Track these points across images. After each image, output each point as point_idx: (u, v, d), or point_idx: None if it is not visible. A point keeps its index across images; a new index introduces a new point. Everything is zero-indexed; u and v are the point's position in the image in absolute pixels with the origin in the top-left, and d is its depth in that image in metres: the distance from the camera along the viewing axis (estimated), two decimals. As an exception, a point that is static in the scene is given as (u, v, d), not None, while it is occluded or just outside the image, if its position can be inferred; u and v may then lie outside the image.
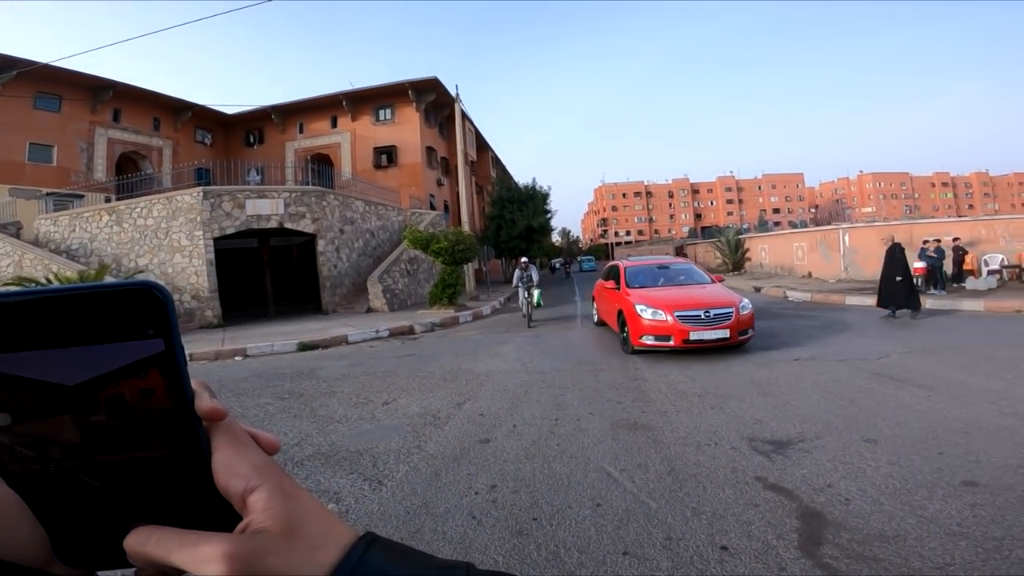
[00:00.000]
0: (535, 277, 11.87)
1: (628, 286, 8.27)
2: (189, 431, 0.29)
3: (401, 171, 26.50)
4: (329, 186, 18.58)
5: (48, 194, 19.25)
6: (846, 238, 17.36)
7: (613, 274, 9.24)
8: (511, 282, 29.61)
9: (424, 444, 4.17)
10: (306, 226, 15.11)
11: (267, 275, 16.84)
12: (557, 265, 48.41)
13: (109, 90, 22.81)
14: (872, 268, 16.25)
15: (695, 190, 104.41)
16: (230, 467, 0.30)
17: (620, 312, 7.89)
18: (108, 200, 17.59)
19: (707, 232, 57.77)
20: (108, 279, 11.80)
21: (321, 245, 15.41)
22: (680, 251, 33.61)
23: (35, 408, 0.27)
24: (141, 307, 0.27)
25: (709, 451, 3.72)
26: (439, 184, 29.55)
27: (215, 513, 0.30)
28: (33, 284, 11.45)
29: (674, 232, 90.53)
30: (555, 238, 69.24)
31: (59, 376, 0.27)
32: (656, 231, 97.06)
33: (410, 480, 3.49)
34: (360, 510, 3.10)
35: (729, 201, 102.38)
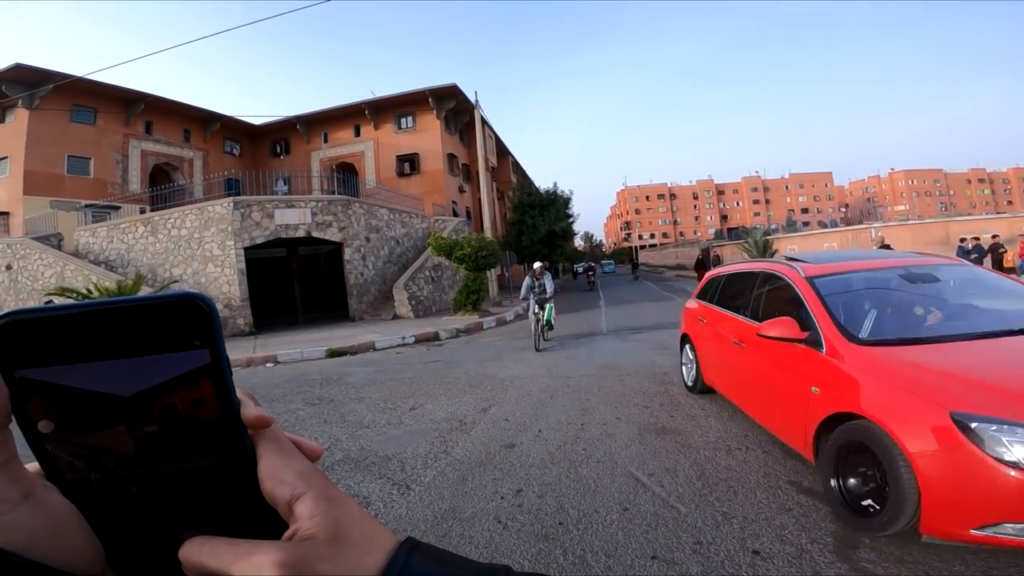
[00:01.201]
0: (549, 288, 9.29)
1: (848, 338, 2.95)
2: (236, 440, 0.30)
3: (423, 178, 26.80)
4: (354, 195, 18.92)
5: (87, 206, 19.99)
6: (879, 237, 16.88)
7: (764, 297, 4.05)
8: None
9: (451, 449, 4.21)
10: (333, 235, 15.40)
11: (296, 283, 17.21)
12: (580, 270, 48.42)
13: (141, 102, 23.63)
14: (907, 268, 15.81)
15: (720, 191, 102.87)
16: (276, 474, 0.30)
17: (823, 422, 2.82)
18: (143, 211, 18.21)
19: (733, 233, 56.80)
20: (145, 289, 12.28)
21: (348, 253, 15.67)
22: (707, 253, 33.11)
23: (92, 418, 0.28)
24: (187, 318, 0.28)
25: (740, 455, 3.66)
26: (461, 191, 29.75)
27: (261, 521, 0.31)
28: (75, 294, 11.95)
29: (700, 234, 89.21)
30: (577, 242, 69.13)
31: (114, 387, 0.28)
32: (681, 233, 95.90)
33: (437, 485, 3.53)
34: (389, 514, 3.15)
35: (756, 202, 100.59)
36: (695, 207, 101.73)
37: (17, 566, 0.27)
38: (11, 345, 0.27)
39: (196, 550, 0.29)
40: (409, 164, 27.23)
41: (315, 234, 15.14)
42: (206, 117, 27.14)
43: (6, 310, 0.27)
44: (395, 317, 15.36)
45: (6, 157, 20.25)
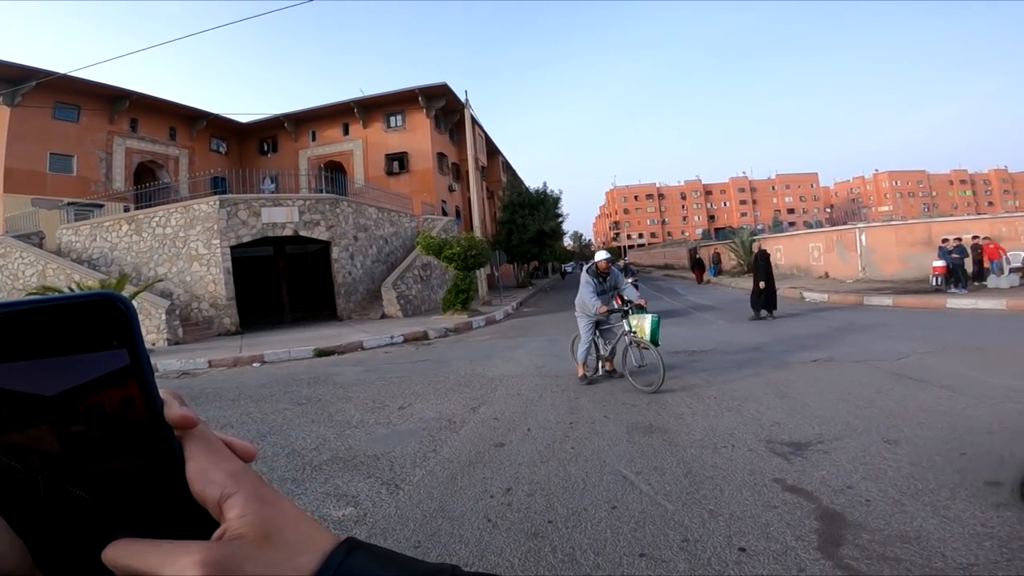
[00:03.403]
0: (633, 294, 6.11)
1: None
2: (161, 440, 0.30)
3: (413, 177, 26.71)
4: (343, 193, 18.80)
5: (69, 204, 19.64)
6: (863, 238, 17.12)
7: None
8: (523, 285, 29.76)
9: (440, 448, 4.20)
10: (320, 233, 15.29)
11: (283, 282, 17.08)
12: (569, 269, 48.57)
13: (126, 100, 23.28)
14: (891, 268, 16.04)
15: (708, 191, 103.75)
16: (205, 474, 0.30)
17: None
18: (127, 209, 17.97)
19: (721, 233, 57.33)
20: (129, 287, 12.09)
21: (335, 252, 15.57)
22: (694, 253, 33.34)
23: (14, 419, 0.28)
24: (104, 318, 0.28)
25: (726, 453, 3.70)
26: (450, 190, 29.70)
27: (193, 522, 0.30)
28: (55, 293, 11.72)
29: (687, 234, 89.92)
30: (567, 242, 69.54)
31: (36, 387, 0.27)
32: (669, 233, 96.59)
33: (427, 484, 3.52)
34: (378, 514, 3.13)
35: (743, 202, 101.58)
36: (683, 207, 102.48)
37: None
38: None
39: (120, 552, 0.28)
40: (398, 163, 27.12)
41: (303, 233, 15.03)
42: (192, 115, 26.79)
43: None
44: (383, 316, 15.29)
45: None
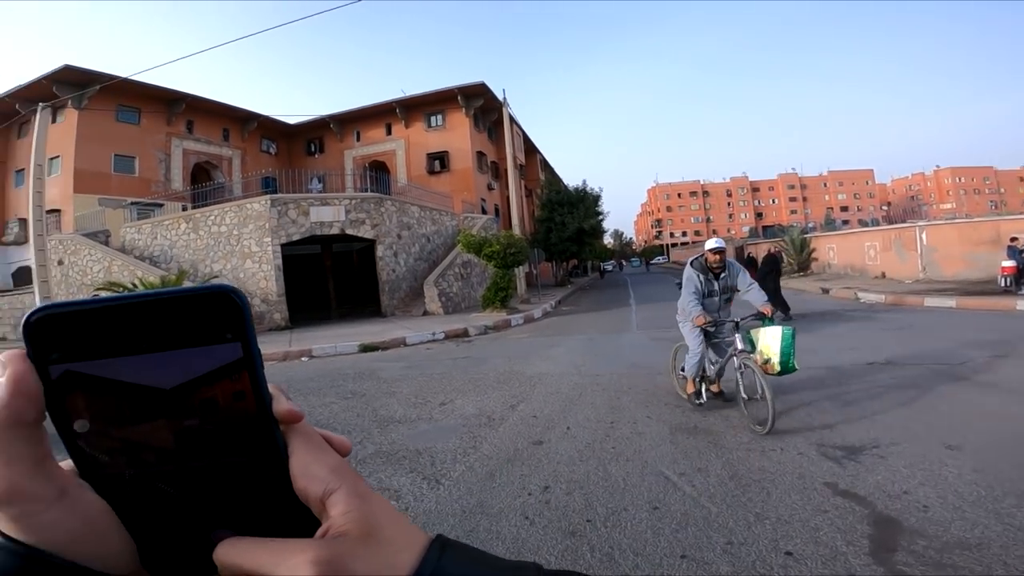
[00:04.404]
0: (759, 298, 4.65)
1: None
2: (268, 435, 0.30)
3: (453, 176, 27.05)
4: (386, 192, 19.22)
5: (132, 203, 20.76)
6: (924, 236, 16.18)
7: None
8: (562, 284, 29.60)
9: (479, 445, 4.25)
10: (366, 232, 15.69)
11: (330, 279, 17.63)
12: (610, 267, 48.12)
13: (182, 102, 24.45)
14: (954, 268, 15.10)
15: (755, 188, 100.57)
16: (308, 470, 0.30)
17: None
18: (185, 208, 18.91)
19: (769, 231, 55.39)
20: (187, 284, 12.75)
21: (380, 250, 15.94)
22: (742, 251, 32.31)
23: (131, 413, 0.28)
24: (220, 311, 0.28)
25: (775, 456, 3.59)
26: (490, 188, 29.89)
27: (292, 518, 0.30)
28: (121, 288, 12.49)
29: (733, 232, 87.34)
30: (607, 240, 69.31)
31: (153, 380, 0.27)
32: (714, 231, 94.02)
33: (466, 480, 3.57)
34: (419, 508, 3.20)
35: (792, 199, 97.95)
36: (729, 204, 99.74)
37: (53, 566, 0.27)
38: (45, 340, 0.26)
39: (231, 551, 0.29)
40: (439, 162, 27.51)
41: (349, 231, 15.45)
42: (243, 117, 27.94)
43: (40, 304, 0.26)
44: (425, 313, 15.55)
45: (57, 156, 21.09)
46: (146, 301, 0.27)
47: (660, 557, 2.48)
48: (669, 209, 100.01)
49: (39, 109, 14.85)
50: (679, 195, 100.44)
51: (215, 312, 0.28)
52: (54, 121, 21.32)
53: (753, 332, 4.42)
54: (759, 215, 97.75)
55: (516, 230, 19.76)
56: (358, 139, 29.63)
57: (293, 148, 31.33)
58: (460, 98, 26.59)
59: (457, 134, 27.39)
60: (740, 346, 4.39)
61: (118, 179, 22.39)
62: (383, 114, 28.49)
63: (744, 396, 4.30)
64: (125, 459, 0.28)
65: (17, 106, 21.22)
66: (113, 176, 22.31)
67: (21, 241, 21.37)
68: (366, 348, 10.16)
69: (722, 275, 4.74)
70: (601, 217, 31.23)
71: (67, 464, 0.29)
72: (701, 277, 4.73)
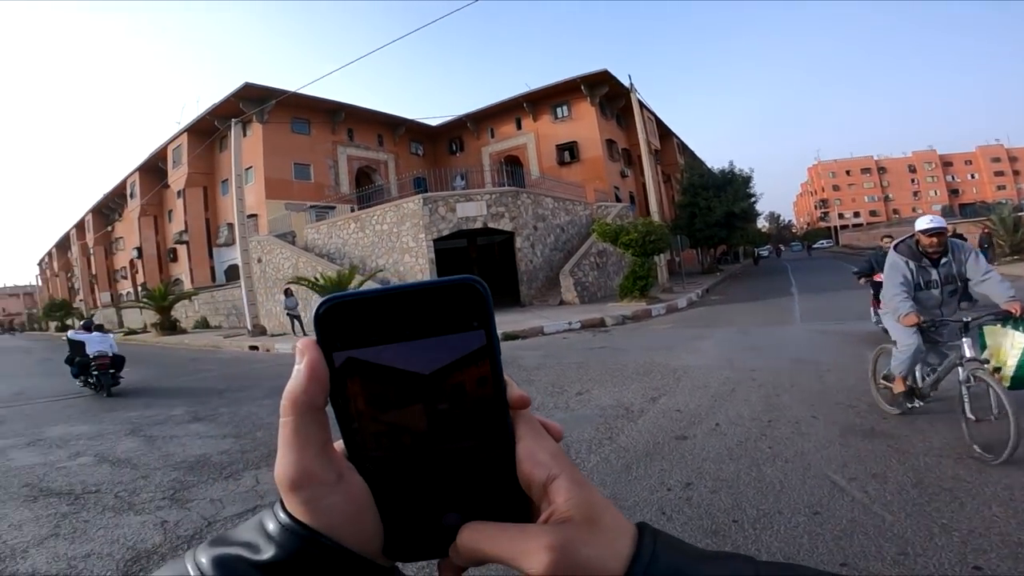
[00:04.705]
0: (1003, 291, 3.38)
1: None
2: (501, 420, 0.31)
3: (583, 166, 27.04)
4: (520, 186, 19.76)
5: (311, 207, 23.68)
6: None
7: None
8: (709, 271, 27.69)
9: (616, 436, 4.18)
10: (505, 225, 16.33)
11: (474, 271, 18.67)
12: (765, 253, 44.47)
13: (341, 112, 27.45)
14: None
15: (947, 163, 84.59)
16: (533, 456, 0.30)
17: None
18: (352, 210, 21.32)
19: (968, 210, 45.89)
20: (357, 278, 14.42)
21: (518, 242, 16.49)
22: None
23: (397, 396, 0.29)
24: (466, 301, 0.29)
25: (974, 465, 3.02)
26: (623, 176, 29.31)
27: (507, 502, 0.31)
28: (307, 282, 14.52)
29: (920, 211, 73.99)
30: (761, 223, 63.83)
31: (416, 365, 0.29)
32: (895, 211, 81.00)
33: (600, 471, 3.52)
34: (554, 495, 3.27)
35: (998, 173, 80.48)
36: (913, 181, 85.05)
37: (327, 549, 0.28)
38: (331, 329, 0.29)
39: (474, 535, 0.30)
40: (568, 152, 27.64)
41: (490, 225, 16.23)
42: (393, 122, 30.58)
43: (327, 296, 0.29)
44: (562, 303, 15.73)
45: (251, 167, 24.82)
46: (409, 291, 0.29)
47: (816, 563, 2.24)
48: (836, 188, 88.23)
49: (232, 125, 17.91)
50: (847, 172, 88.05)
51: (462, 301, 0.29)
52: (245, 135, 24.50)
53: (987, 330, 3.42)
54: (954, 191, 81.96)
55: (655, 217, 19.02)
56: (492, 136, 30.88)
57: (437, 148, 33.59)
58: (584, 87, 26.47)
59: (584, 123, 27.29)
60: (969, 353, 3.36)
61: (298, 185, 25.84)
62: (512, 109, 29.35)
63: (970, 416, 3.29)
64: (387, 442, 0.30)
65: (215, 123, 25.47)
66: (294, 183, 25.79)
67: (230, 243, 25.50)
68: (507, 336, 10.59)
69: (943, 261, 3.72)
70: (753, 199, 28.83)
71: (337, 446, 0.31)
72: (911, 265, 3.75)
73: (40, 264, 64.78)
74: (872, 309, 6.86)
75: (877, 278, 6.21)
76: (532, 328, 10.99)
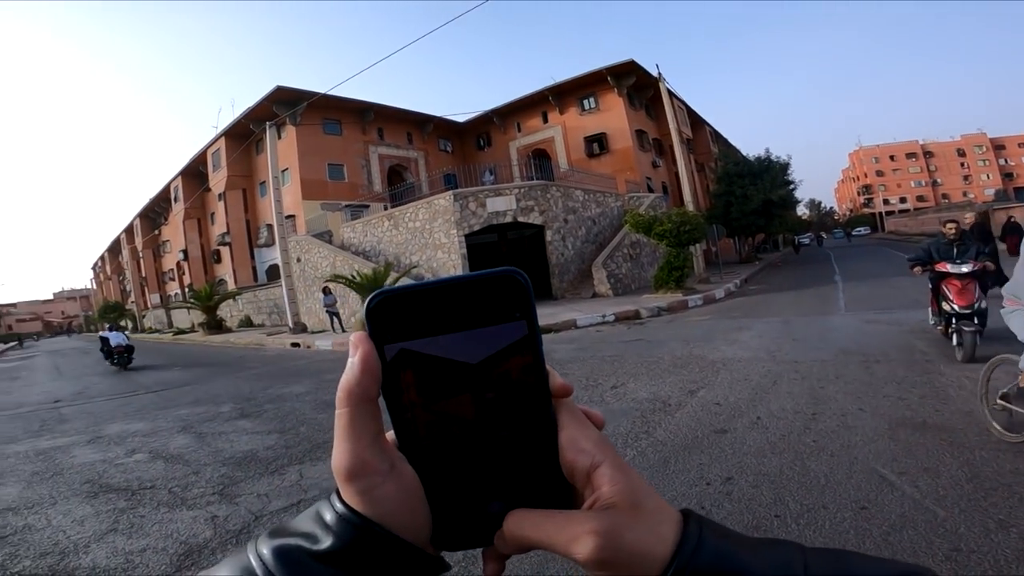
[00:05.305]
0: None
1: None
2: (544, 408, 0.31)
3: (613, 157, 26.71)
4: (549, 179, 19.66)
5: (346, 206, 24.04)
6: None
7: None
8: (747, 261, 26.62)
9: (652, 430, 4.13)
10: (535, 218, 16.30)
11: (506, 265, 18.74)
12: (807, 241, 43.26)
13: (371, 111, 27.76)
14: None
15: (999, 146, 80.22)
16: (576, 443, 0.30)
17: None
18: (385, 208, 21.63)
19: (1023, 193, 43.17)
20: (392, 275, 14.65)
21: (549, 235, 16.44)
22: (987, 217, 25.91)
23: (447, 387, 0.30)
24: (508, 292, 0.30)
25: (1039, 462, 2.87)
26: (654, 166, 28.86)
27: (549, 489, 0.31)
28: (344, 280, 14.84)
29: (973, 196, 70.43)
30: (801, 211, 62.12)
31: (463, 356, 0.30)
32: (944, 195, 77.22)
33: (637, 465, 3.48)
34: (589, 490, 3.26)
35: (1055, 155, 75.78)
36: (963, 165, 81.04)
37: (380, 537, 0.29)
38: (382, 322, 0.30)
39: (521, 522, 0.30)
40: (597, 144, 27.34)
41: (520, 219, 16.22)
42: (421, 120, 30.82)
43: (376, 291, 0.30)
44: (594, 295, 15.61)
45: (287, 168, 25.40)
46: (454, 284, 0.30)
47: (863, 559, 2.18)
48: (880, 174, 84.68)
49: (267, 128, 18.36)
50: (891, 158, 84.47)
51: (504, 292, 0.30)
52: (279, 138, 24.73)
53: None
54: (1008, 175, 77.56)
55: (689, 206, 18.63)
56: (519, 130, 30.79)
57: (465, 144, 33.72)
58: (610, 78, 26.08)
59: (612, 114, 26.94)
60: None
61: (333, 185, 26.33)
62: (538, 103, 29.19)
63: None
64: (437, 431, 0.30)
65: (251, 126, 26.12)
66: (329, 183, 26.29)
67: (270, 243, 26.26)
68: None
69: None
70: (792, 187, 27.89)
71: (389, 436, 0.32)
72: None
73: (94, 268, 68.08)
74: (930, 308, 5.95)
75: (942, 267, 5.39)
76: (565, 321, 10.95)
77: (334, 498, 0.31)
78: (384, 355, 0.30)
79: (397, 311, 0.30)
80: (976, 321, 4.99)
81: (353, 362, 0.29)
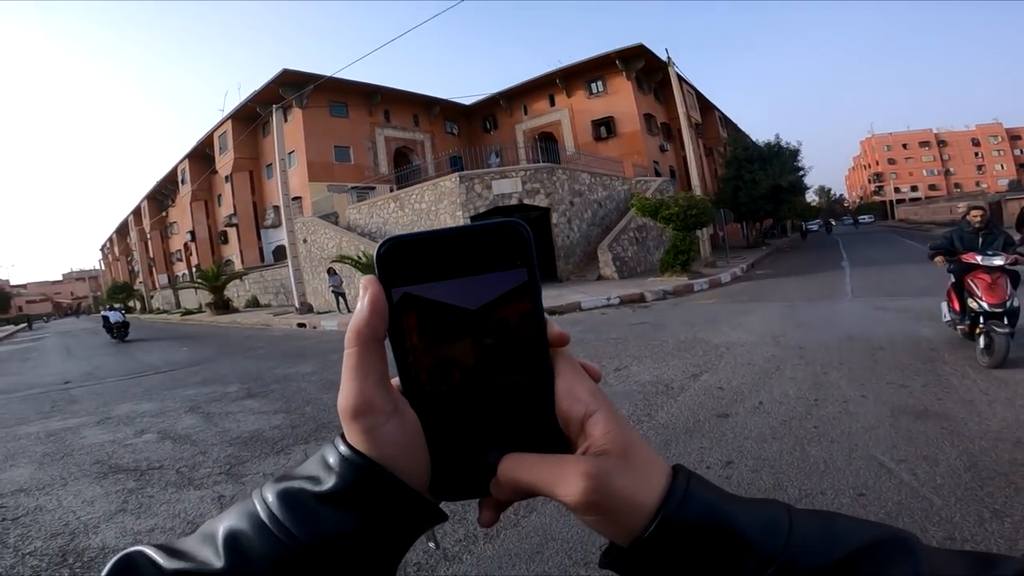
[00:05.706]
0: None
1: None
2: (542, 356, 0.32)
3: (621, 141, 26.52)
4: (556, 162, 19.52)
5: (352, 188, 24.05)
6: None
7: None
8: (755, 246, 26.29)
9: (655, 413, 4.14)
10: (540, 201, 16.23)
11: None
12: (815, 227, 43.13)
13: (377, 94, 27.62)
14: None
15: (1014, 136, 79.25)
16: (572, 392, 0.31)
17: None
18: (392, 190, 21.58)
19: (1038, 185, 42.42)
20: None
21: (554, 217, 16.38)
22: (1000, 208, 25.56)
23: (448, 331, 0.31)
24: (510, 242, 0.31)
25: (1038, 452, 2.87)
26: (662, 150, 28.66)
27: (544, 437, 0.32)
28: (350, 260, 14.89)
29: (986, 185, 69.54)
30: (810, 197, 61.60)
31: (464, 301, 0.31)
32: (957, 185, 76.45)
33: None
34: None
35: (1070, 147, 74.64)
36: (977, 155, 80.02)
37: (383, 479, 0.29)
38: (390, 267, 0.31)
39: (515, 465, 0.31)
40: (605, 128, 27.15)
41: (526, 201, 16.17)
42: (428, 102, 30.57)
43: (387, 237, 0.31)
44: (599, 278, 15.59)
45: (293, 151, 25.27)
46: (460, 233, 0.31)
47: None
48: (892, 162, 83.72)
49: (274, 111, 18.29)
50: (904, 146, 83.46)
51: (507, 242, 0.31)
52: (286, 120, 24.54)
53: None
54: (1022, 166, 76.52)
55: (696, 190, 18.46)
56: (526, 113, 30.52)
57: (472, 127, 33.46)
58: (619, 62, 25.83)
59: (620, 98, 26.71)
60: None
61: (339, 167, 26.29)
62: (545, 86, 28.91)
63: None
64: (438, 375, 0.31)
65: (257, 109, 26.00)
66: (335, 165, 26.26)
67: (276, 225, 26.35)
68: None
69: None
70: (801, 173, 27.64)
71: (394, 382, 0.32)
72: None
73: (102, 249, 68.34)
74: (946, 303, 5.28)
75: (970, 259, 4.70)
76: (569, 304, 10.96)
77: (338, 440, 0.31)
78: (391, 298, 0.30)
79: (405, 256, 0.31)
80: (1007, 321, 4.36)
81: (362, 303, 0.30)
